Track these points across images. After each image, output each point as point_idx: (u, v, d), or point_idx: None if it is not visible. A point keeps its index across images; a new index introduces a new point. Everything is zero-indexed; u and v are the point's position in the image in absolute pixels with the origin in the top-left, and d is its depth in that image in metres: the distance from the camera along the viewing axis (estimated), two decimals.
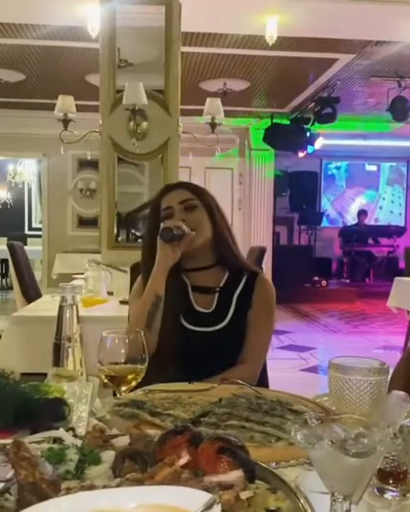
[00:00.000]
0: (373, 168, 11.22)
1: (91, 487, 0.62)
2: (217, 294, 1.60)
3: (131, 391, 1.16)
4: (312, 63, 5.90)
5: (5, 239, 8.01)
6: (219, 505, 0.54)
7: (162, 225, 1.52)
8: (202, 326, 1.55)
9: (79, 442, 0.76)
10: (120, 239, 3.70)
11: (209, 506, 0.53)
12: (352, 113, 7.76)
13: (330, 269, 10.52)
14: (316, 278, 9.28)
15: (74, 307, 1.21)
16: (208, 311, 1.58)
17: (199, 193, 1.64)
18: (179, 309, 1.56)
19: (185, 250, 1.54)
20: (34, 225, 11.70)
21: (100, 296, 2.92)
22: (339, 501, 0.62)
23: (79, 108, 3.78)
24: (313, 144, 7.90)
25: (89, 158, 6.72)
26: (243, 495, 0.61)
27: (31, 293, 4.20)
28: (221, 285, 1.61)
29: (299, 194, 9.79)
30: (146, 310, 1.51)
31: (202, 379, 1.34)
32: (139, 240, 3.87)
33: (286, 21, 4.58)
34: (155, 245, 1.54)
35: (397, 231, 10.46)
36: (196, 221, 1.58)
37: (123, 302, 2.65)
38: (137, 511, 0.55)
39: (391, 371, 1.06)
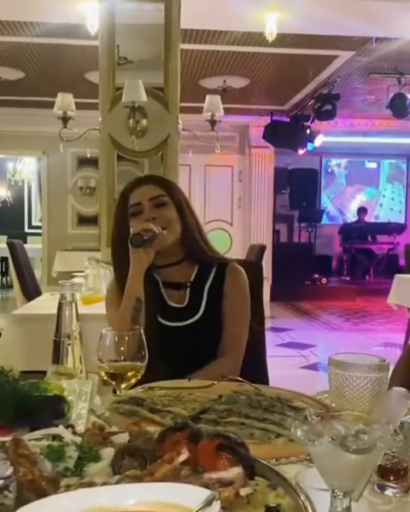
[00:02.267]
0: (373, 165, 11.21)
1: (91, 484, 0.62)
2: (188, 289, 1.59)
3: (131, 388, 1.16)
4: (312, 60, 5.88)
5: (5, 237, 8.00)
6: (219, 502, 0.54)
7: (132, 231, 1.48)
8: (175, 321, 1.55)
9: (78, 439, 0.76)
10: None
11: (209, 503, 0.53)
12: (352, 110, 7.75)
13: (331, 266, 10.52)
14: (316, 276, 9.28)
15: (74, 305, 1.21)
16: (181, 305, 1.57)
17: (169, 188, 1.61)
18: (155, 307, 1.54)
19: (156, 249, 1.52)
20: (34, 223, 11.69)
21: (100, 294, 2.91)
22: (339, 498, 0.62)
23: (79, 106, 3.78)
24: (312, 141, 7.89)
25: (88, 156, 6.69)
26: (243, 492, 0.61)
27: (31, 291, 4.19)
28: (191, 280, 1.60)
29: (299, 191, 9.78)
30: (128, 314, 1.48)
31: (185, 373, 1.34)
32: None
33: (286, 18, 4.57)
34: (123, 244, 1.51)
35: (397, 228, 10.46)
36: (167, 218, 1.55)
37: None
38: (137, 508, 0.55)
39: (391, 368, 1.06)
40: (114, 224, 1.65)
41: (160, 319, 1.55)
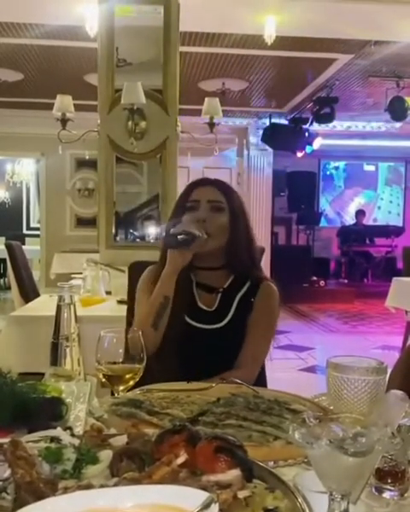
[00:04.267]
0: (371, 168, 11.22)
1: (89, 487, 0.62)
2: (219, 295, 1.60)
3: (130, 390, 1.16)
4: (310, 63, 5.90)
5: (3, 238, 8.01)
6: (217, 504, 0.54)
7: (172, 230, 1.49)
8: (202, 323, 1.56)
9: (76, 441, 0.76)
10: (118, 239, 3.69)
11: (207, 505, 0.53)
12: (350, 112, 7.76)
13: (329, 269, 10.52)
14: (314, 278, 9.28)
15: (72, 307, 1.20)
16: (210, 309, 1.59)
17: (229, 195, 1.62)
18: (184, 305, 1.56)
19: (196, 251, 1.52)
20: (32, 225, 11.68)
21: (98, 296, 2.91)
22: (337, 500, 0.62)
23: (78, 108, 3.78)
24: (311, 144, 7.90)
25: (87, 157, 6.71)
26: (241, 494, 0.61)
27: (29, 292, 4.19)
28: (225, 286, 1.61)
29: (297, 194, 9.79)
30: (154, 310, 1.51)
31: (200, 376, 1.34)
32: (137, 239, 3.87)
33: (285, 21, 4.57)
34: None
35: (395, 231, 10.47)
36: (217, 225, 1.56)
37: (121, 302, 2.64)
38: (135, 510, 0.55)
39: (389, 371, 1.06)
40: (171, 215, 1.66)
41: (187, 318, 1.56)
